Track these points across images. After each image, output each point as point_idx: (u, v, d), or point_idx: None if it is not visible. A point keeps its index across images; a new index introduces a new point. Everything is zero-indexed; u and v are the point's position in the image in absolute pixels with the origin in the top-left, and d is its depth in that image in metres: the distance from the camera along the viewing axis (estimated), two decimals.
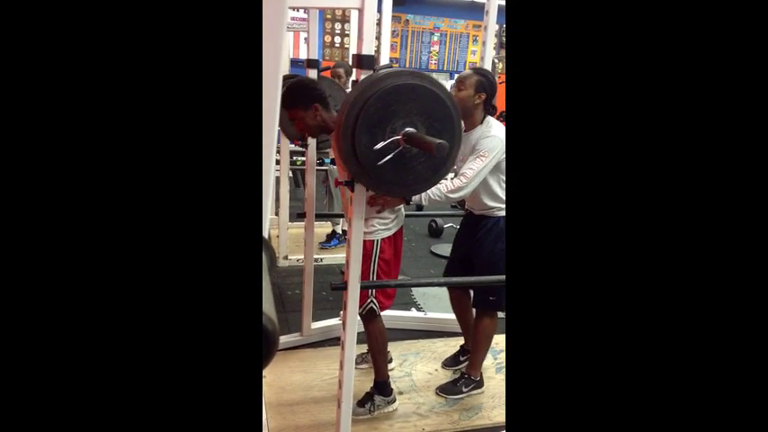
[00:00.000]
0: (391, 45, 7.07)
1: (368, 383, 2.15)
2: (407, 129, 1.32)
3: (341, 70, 3.22)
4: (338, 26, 6.92)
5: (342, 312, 1.63)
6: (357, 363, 2.20)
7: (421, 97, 1.32)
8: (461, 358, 2.29)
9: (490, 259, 1.96)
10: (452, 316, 2.63)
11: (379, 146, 1.29)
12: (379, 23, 3.06)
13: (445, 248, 3.71)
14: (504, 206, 1.95)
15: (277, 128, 0.39)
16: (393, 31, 7.07)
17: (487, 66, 2.37)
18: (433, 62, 7.54)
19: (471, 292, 2.14)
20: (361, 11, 1.32)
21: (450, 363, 2.32)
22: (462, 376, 2.15)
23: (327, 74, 2.98)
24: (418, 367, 2.31)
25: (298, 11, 4.29)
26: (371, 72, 1.38)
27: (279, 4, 0.38)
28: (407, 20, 7.28)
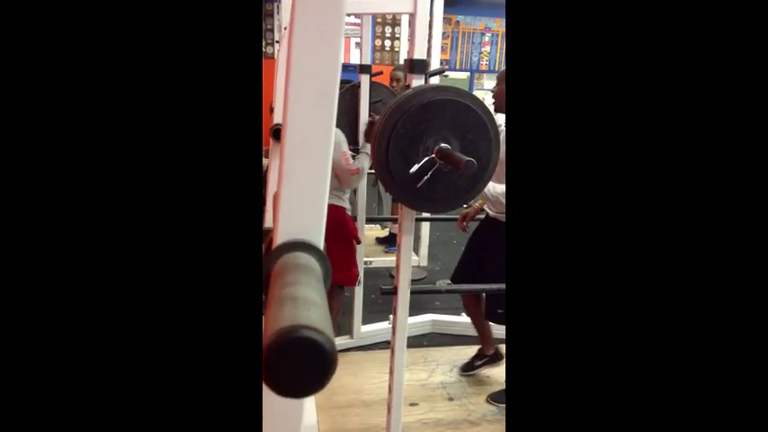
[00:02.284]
0: (441, 47, 7.04)
1: (417, 390, 2.14)
2: (440, 145, 1.31)
3: (400, 74, 3.22)
4: (388, 30, 6.95)
5: (391, 317, 1.63)
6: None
7: (448, 111, 1.32)
8: (476, 363, 2.27)
9: (502, 269, 1.89)
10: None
11: (413, 169, 1.29)
12: (429, 26, 3.06)
13: None
14: None
15: (333, 135, 0.39)
16: (443, 33, 7.04)
17: None
18: (484, 63, 7.44)
19: (483, 296, 2.10)
20: (413, 15, 1.32)
21: (466, 368, 2.29)
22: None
23: (378, 78, 2.99)
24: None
25: (349, 16, 4.34)
26: (423, 76, 1.38)
27: (338, 18, 0.38)
28: (458, 21, 7.22)
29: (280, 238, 0.40)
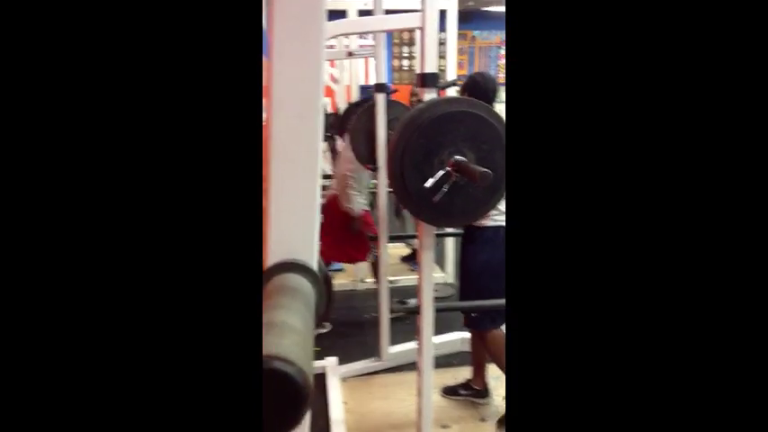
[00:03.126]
0: (459, 62, 7.05)
1: (449, 410, 2.08)
2: (455, 157, 1.28)
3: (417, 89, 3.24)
4: (405, 49, 7.02)
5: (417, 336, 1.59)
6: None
7: (462, 123, 1.29)
8: (461, 392, 2.16)
9: (471, 271, 1.89)
10: None
11: (429, 183, 1.26)
12: (444, 43, 3.05)
13: None
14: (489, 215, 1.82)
15: (320, 152, 0.37)
16: (460, 49, 7.05)
17: None
18: (502, 76, 7.42)
19: None
20: (422, 30, 1.31)
21: (449, 391, 2.19)
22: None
23: (396, 96, 3.00)
24: (500, 392, 2.20)
25: (365, 37, 4.40)
26: (435, 89, 1.37)
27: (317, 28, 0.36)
28: (474, 36, 7.24)
29: (271, 259, 0.38)
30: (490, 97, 1.80)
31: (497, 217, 1.83)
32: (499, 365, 1.95)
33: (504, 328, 1.92)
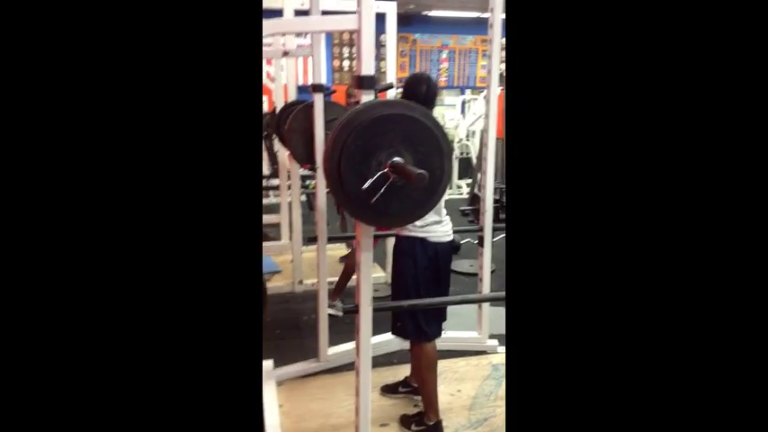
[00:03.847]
0: (400, 65, 7.12)
1: (388, 409, 2.10)
2: (393, 159, 1.30)
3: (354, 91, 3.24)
4: (346, 50, 7.01)
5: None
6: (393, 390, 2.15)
7: (399, 125, 1.31)
8: (400, 389, 2.18)
9: (393, 278, 1.92)
10: (473, 334, 2.57)
11: (366, 184, 1.27)
12: (383, 45, 3.08)
13: (464, 265, 3.66)
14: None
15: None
16: (401, 51, 7.13)
17: (494, 79, 2.34)
18: (443, 79, 7.56)
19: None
20: (358, 32, 1.32)
21: (387, 390, 2.19)
22: (419, 414, 1.99)
23: (335, 97, 2.99)
24: (440, 389, 2.25)
25: (304, 37, 4.35)
26: (372, 91, 1.38)
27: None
28: (415, 39, 7.34)
29: None
30: (424, 98, 1.77)
31: (415, 230, 1.81)
32: (417, 379, 1.92)
33: (434, 343, 1.90)
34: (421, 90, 1.80)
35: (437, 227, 1.84)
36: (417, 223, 1.78)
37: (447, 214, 1.92)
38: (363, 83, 1.35)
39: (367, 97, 1.37)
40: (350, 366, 2.38)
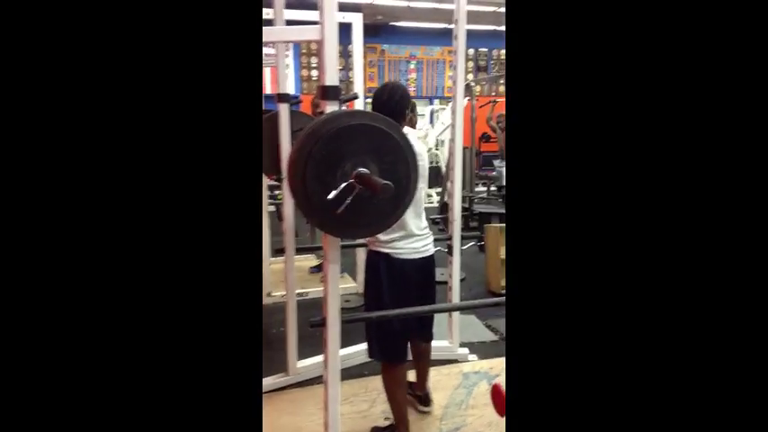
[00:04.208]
0: (368, 75, 7.15)
1: (360, 422, 2.08)
2: (358, 169, 1.29)
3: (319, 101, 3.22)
4: (314, 60, 7.00)
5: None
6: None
7: (364, 135, 1.32)
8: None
9: (364, 293, 1.90)
10: (444, 343, 2.57)
11: (332, 195, 1.26)
12: (350, 55, 3.08)
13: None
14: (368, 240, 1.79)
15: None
16: (369, 62, 7.16)
17: (460, 90, 2.37)
18: (412, 89, 7.63)
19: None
20: (321, 42, 1.31)
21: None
22: (390, 427, 1.97)
23: (301, 106, 2.97)
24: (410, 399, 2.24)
25: (270, 46, 4.32)
26: (337, 102, 1.37)
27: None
28: (383, 50, 7.39)
29: None
30: (393, 109, 1.74)
31: (380, 245, 1.77)
32: (387, 394, 1.87)
33: (401, 367, 1.84)
34: (389, 100, 1.76)
35: (404, 242, 1.76)
36: (382, 237, 1.74)
37: (426, 227, 1.85)
38: (328, 93, 1.34)
39: (332, 107, 1.36)
40: (320, 379, 2.35)
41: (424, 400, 2.14)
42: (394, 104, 1.76)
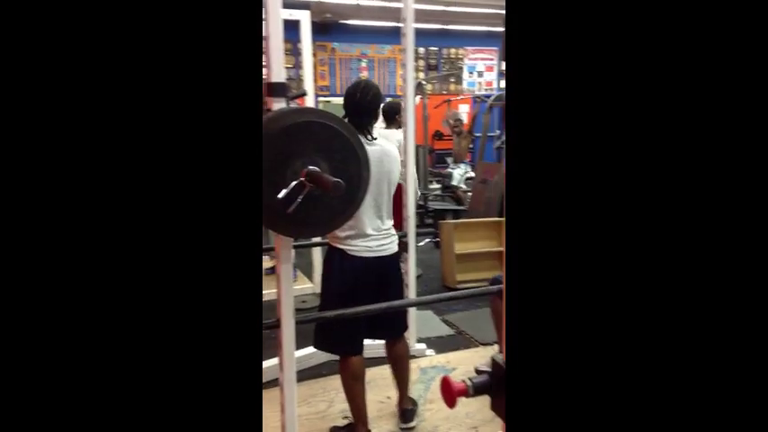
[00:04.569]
0: (319, 73, 7.10)
1: (318, 423, 2.06)
2: (308, 168, 1.28)
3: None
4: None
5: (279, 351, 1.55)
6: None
7: (313, 133, 1.30)
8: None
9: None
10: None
11: (282, 194, 1.23)
12: (300, 52, 3.05)
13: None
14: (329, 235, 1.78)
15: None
16: (320, 60, 7.11)
17: (410, 88, 2.39)
18: None
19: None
20: (266, 38, 1.29)
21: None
22: (348, 426, 1.96)
23: None
24: (369, 397, 2.23)
25: None
26: (284, 99, 1.35)
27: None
28: (334, 48, 7.35)
29: None
30: (360, 106, 1.73)
31: (337, 241, 1.77)
32: (344, 390, 1.87)
33: (360, 356, 1.85)
34: (362, 99, 1.74)
35: (358, 241, 1.75)
36: (339, 234, 1.75)
37: (389, 228, 1.84)
38: (274, 90, 1.32)
39: (278, 105, 1.34)
40: (276, 382, 2.31)
41: (406, 415, 2.03)
42: (366, 103, 1.74)
